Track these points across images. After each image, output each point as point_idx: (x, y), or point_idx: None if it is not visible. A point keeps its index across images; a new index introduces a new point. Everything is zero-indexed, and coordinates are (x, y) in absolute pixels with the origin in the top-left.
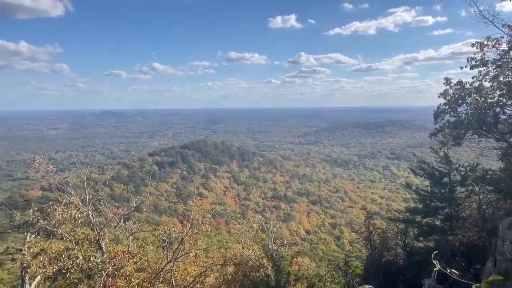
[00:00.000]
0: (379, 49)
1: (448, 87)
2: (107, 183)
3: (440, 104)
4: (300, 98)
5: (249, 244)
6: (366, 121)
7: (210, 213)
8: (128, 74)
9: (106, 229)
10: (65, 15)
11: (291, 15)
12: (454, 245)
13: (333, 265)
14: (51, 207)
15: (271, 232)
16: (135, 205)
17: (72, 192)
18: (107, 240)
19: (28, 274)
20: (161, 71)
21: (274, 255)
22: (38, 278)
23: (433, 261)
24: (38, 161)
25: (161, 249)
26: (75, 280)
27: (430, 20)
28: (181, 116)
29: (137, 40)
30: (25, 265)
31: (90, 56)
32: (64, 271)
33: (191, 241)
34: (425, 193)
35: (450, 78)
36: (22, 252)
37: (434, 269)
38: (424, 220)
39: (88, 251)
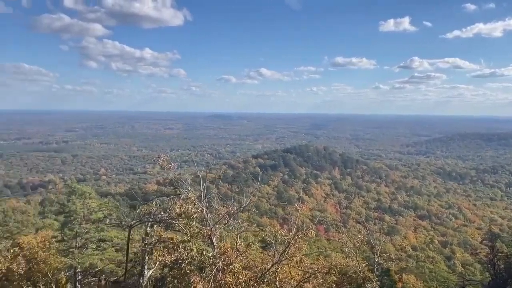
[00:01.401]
0: (505, 53)
1: None
2: (219, 181)
3: None
4: (410, 105)
5: (353, 254)
6: (487, 132)
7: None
8: (237, 79)
9: (217, 226)
10: (184, 24)
11: (404, 17)
12: None
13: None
14: (171, 201)
15: (377, 245)
16: (244, 204)
17: (189, 188)
18: (217, 236)
19: (147, 261)
20: (267, 76)
21: (379, 269)
22: (156, 265)
23: None
24: (162, 158)
25: (263, 249)
26: (188, 271)
27: None
28: (284, 120)
29: (246, 46)
30: (146, 251)
31: (204, 61)
32: (180, 261)
33: (296, 245)
34: None
35: None
36: (145, 241)
37: None
38: None
39: (201, 245)
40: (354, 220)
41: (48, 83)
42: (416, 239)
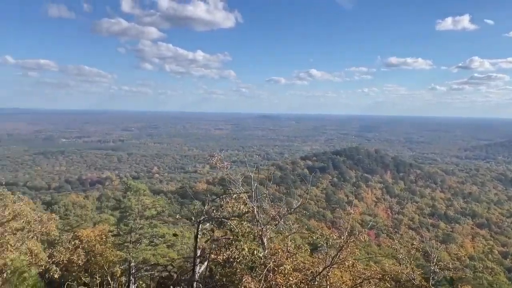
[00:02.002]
0: None
1: None
2: (270, 183)
3: None
4: (469, 107)
5: (407, 262)
6: None
7: (361, 223)
8: (286, 80)
9: (267, 226)
10: (235, 26)
11: (463, 15)
12: None
13: None
14: (223, 200)
15: (432, 253)
16: (294, 205)
17: (241, 187)
18: (268, 236)
19: (199, 258)
20: (317, 77)
21: (434, 277)
22: (206, 263)
23: None
24: (216, 157)
25: (311, 252)
26: (239, 269)
27: None
28: (334, 122)
29: (296, 47)
30: (199, 249)
31: (254, 63)
32: (231, 260)
33: (348, 249)
34: None
35: None
36: (197, 238)
37: None
38: None
39: (252, 244)
40: (407, 226)
41: (106, 84)
42: (473, 248)
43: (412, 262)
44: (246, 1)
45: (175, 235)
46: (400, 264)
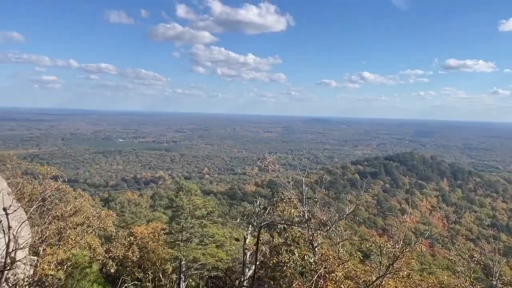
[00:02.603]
0: None
1: None
2: (321, 187)
3: None
4: None
5: (467, 275)
6: None
7: (415, 232)
8: (337, 83)
9: (318, 232)
10: (286, 29)
11: None
12: None
13: None
14: (275, 202)
15: (494, 266)
16: (347, 211)
17: (291, 191)
18: (318, 242)
19: (248, 260)
20: (370, 80)
21: None
22: (255, 265)
23: None
24: (268, 159)
25: (362, 260)
26: (289, 274)
27: None
28: (387, 126)
29: (348, 49)
30: (247, 250)
31: (304, 66)
32: (281, 264)
33: (404, 259)
34: None
35: None
36: (246, 241)
37: None
38: None
39: (303, 249)
40: (464, 237)
41: (161, 87)
42: None
43: (472, 275)
44: (297, 5)
45: (237, 239)
46: (458, 277)
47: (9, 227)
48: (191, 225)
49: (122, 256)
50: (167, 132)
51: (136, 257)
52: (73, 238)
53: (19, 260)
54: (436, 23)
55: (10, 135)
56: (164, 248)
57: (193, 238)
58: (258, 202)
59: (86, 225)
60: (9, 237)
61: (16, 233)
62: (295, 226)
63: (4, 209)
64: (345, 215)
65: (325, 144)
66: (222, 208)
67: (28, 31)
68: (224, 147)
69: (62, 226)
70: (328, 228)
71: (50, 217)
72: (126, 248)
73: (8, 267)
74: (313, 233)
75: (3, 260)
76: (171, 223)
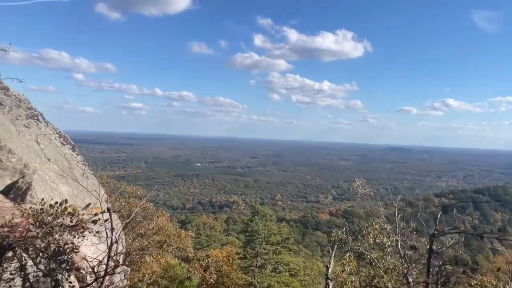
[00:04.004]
0: None
1: None
2: (412, 217)
3: None
4: None
5: None
6: None
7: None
8: (418, 110)
9: (414, 265)
10: (363, 55)
11: None
12: None
13: None
14: (366, 229)
15: None
16: (448, 245)
17: (383, 218)
18: (414, 276)
19: None
20: (454, 108)
21: None
22: None
23: None
24: (358, 182)
25: None
26: None
27: None
28: (475, 156)
29: (431, 75)
30: (329, 280)
31: (382, 93)
32: None
33: None
34: None
35: None
36: (342, 270)
37: None
38: None
39: (397, 283)
40: None
41: (238, 113)
42: None
43: None
44: (376, 30)
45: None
46: None
47: (113, 229)
48: (265, 251)
49: (200, 277)
50: (242, 157)
51: (214, 280)
52: (155, 257)
53: (122, 264)
54: None
55: (100, 158)
56: (238, 273)
57: (268, 265)
58: (345, 228)
59: (166, 244)
60: (111, 240)
61: (118, 237)
62: (388, 256)
63: (108, 209)
64: (445, 248)
65: (405, 174)
66: (295, 236)
67: (119, 62)
68: (298, 174)
69: (145, 244)
70: (426, 261)
71: (134, 234)
72: (204, 270)
73: (111, 272)
74: (409, 266)
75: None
76: (246, 248)
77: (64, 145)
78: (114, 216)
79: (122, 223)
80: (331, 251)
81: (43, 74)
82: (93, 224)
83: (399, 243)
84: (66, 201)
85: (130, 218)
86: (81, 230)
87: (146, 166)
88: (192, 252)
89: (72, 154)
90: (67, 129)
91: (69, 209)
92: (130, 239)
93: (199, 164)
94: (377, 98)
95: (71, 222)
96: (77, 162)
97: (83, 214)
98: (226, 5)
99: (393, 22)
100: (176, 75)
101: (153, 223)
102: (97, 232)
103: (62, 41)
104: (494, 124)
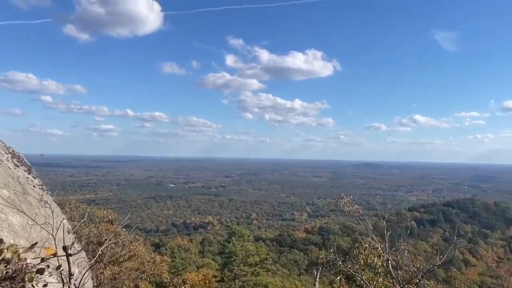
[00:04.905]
0: None
1: None
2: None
3: None
4: None
5: None
6: None
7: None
8: (387, 127)
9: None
10: (333, 74)
11: None
12: None
13: None
14: (356, 250)
15: None
16: (439, 262)
17: (373, 236)
18: None
19: None
20: (422, 123)
21: None
22: None
23: None
24: (345, 199)
25: None
26: None
27: None
28: (443, 170)
29: (398, 93)
30: None
31: (352, 110)
32: None
33: None
34: None
35: None
36: None
37: None
38: None
39: None
40: None
41: (211, 133)
42: None
43: None
44: (344, 50)
45: None
46: None
47: (70, 274)
48: (244, 273)
49: None
50: (216, 177)
51: None
52: (127, 284)
53: None
54: (489, 64)
55: (70, 181)
56: None
57: (246, 287)
58: (333, 249)
59: (140, 270)
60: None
61: (80, 283)
62: (379, 277)
63: (65, 248)
64: (436, 266)
65: (377, 189)
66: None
67: (89, 83)
68: (272, 192)
69: (116, 271)
70: (418, 281)
71: (105, 261)
72: None
73: None
74: (402, 287)
75: None
76: (223, 270)
77: (18, 166)
78: (81, 254)
79: (94, 251)
80: (316, 273)
81: (9, 97)
82: (40, 274)
83: (389, 262)
84: (1, 240)
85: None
86: (21, 284)
87: (117, 188)
88: (167, 278)
89: (28, 177)
90: (34, 152)
91: (6, 253)
92: (101, 267)
93: (172, 185)
94: (348, 116)
95: (7, 271)
96: (34, 186)
97: (27, 258)
98: (197, 26)
99: (360, 42)
100: (147, 96)
101: (125, 248)
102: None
103: (29, 63)
104: (459, 139)
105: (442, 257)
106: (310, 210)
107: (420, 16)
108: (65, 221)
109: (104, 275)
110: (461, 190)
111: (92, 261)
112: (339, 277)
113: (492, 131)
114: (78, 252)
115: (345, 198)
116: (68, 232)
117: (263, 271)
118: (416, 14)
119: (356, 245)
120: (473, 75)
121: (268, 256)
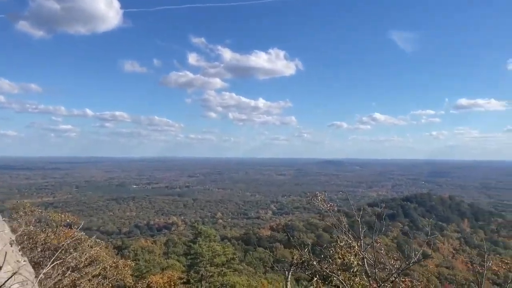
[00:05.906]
0: None
1: None
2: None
3: None
4: None
5: None
6: None
7: (438, 277)
8: (348, 125)
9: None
10: (296, 73)
11: None
12: None
13: None
14: (332, 249)
15: None
16: (414, 259)
17: (348, 234)
18: None
19: None
20: (381, 121)
21: None
22: None
23: None
24: (320, 197)
25: None
26: None
27: None
28: (401, 166)
29: (357, 92)
30: None
31: (315, 108)
32: None
33: None
34: None
35: None
36: None
37: None
38: None
39: None
40: (491, 281)
41: (174, 132)
42: None
43: None
44: (306, 50)
45: None
46: None
47: None
48: (210, 274)
49: None
50: (180, 177)
51: None
52: None
53: None
54: (442, 64)
55: (25, 184)
56: None
57: None
58: (307, 249)
59: (102, 276)
60: None
61: None
62: (356, 277)
63: None
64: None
65: (339, 186)
66: (238, 254)
67: (45, 82)
68: (237, 191)
69: (76, 278)
70: (395, 278)
71: (64, 268)
72: None
73: None
74: (379, 286)
75: None
76: (189, 272)
77: None
78: (26, 268)
79: (51, 257)
80: (287, 273)
81: None
82: None
83: (365, 260)
84: None
85: (58, 251)
86: None
87: (77, 191)
88: (131, 282)
89: None
90: None
91: None
92: (59, 274)
93: (135, 186)
94: (311, 114)
95: None
96: None
97: None
98: (159, 24)
99: (321, 42)
100: (107, 95)
101: (85, 253)
102: None
103: None
104: (416, 136)
105: (417, 254)
106: (274, 208)
107: (378, 17)
108: (6, 228)
109: (63, 283)
110: (419, 185)
111: (46, 268)
112: (315, 279)
113: (447, 128)
114: (16, 271)
115: (319, 196)
116: (11, 244)
117: (229, 271)
118: (374, 15)
119: (333, 244)
120: (429, 75)
121: (234, 256)
